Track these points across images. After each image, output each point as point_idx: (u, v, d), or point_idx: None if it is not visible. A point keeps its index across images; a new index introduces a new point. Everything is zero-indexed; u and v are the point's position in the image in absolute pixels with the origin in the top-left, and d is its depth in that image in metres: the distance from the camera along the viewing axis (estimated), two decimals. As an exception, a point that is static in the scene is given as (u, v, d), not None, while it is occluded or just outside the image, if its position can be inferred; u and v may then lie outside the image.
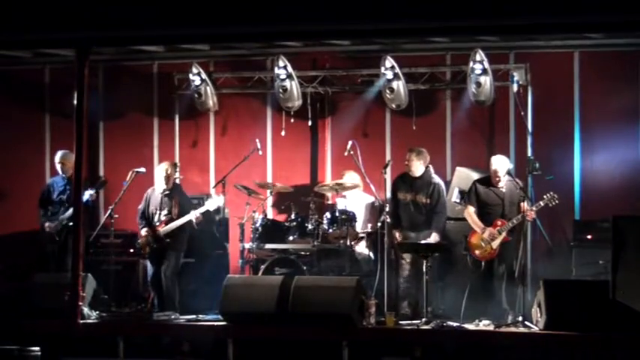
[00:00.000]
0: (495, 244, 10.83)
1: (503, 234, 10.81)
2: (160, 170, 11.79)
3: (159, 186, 11.71)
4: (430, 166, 11.52)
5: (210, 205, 11.66)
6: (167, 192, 11.68)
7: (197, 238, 11.95)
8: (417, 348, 9.93)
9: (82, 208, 10.91)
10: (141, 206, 11.77)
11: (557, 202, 10.76)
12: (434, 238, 11.20)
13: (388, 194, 11.70)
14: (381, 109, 12.82)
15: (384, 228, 11.29)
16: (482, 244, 10.90)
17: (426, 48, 12.63)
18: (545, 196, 10.74)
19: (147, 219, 11.69)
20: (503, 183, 11.04)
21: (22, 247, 12.79)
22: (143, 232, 11.63)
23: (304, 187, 12.80)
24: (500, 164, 11.09)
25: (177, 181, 12.12)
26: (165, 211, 11.58)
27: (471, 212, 11.10)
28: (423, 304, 10.67)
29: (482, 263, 10.96)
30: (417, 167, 11.43)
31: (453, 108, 12.70)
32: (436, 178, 11.49)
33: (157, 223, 11.57)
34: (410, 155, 11.45)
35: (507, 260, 10.86)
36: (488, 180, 11.15)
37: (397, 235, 11.36)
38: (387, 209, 11.31)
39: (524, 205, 10.77)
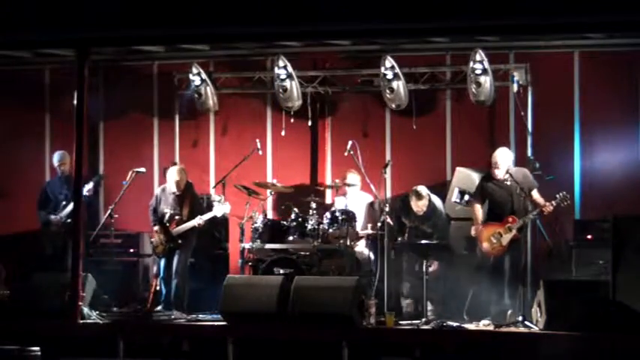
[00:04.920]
0: (505, 240, 10.78)
1: (514, 231, 10.76)
2: (172, 175, 11.73)
3: (170, 187, 11.75)
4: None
5: (217, 211, 11.68)
6: (179, 193, 11.71)
7: (197, 238, 11.95)
8: (417, 348, 9.94)
9: (82, 209, 10.92)
10: (152, 202, 11.82)
11: (568, 202, 10.75)
12: (435, 265, 11.22)
13: (388, 194, 11.69)
14: (381, 109, 12.83)
15: (384, 228, 11.29)
16: (493, 239, 10.85)
17: (426, 48, 12.61)
18: (557, 195, 10.71)
19: (158, 216, 11.72)
20: (502, 177, 10.93)
21: (22, 247, 12.79)
22: (156, 228, 11.67)
23: (304, 187, 12.81)
24: (499, 154, 11.02)
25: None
26: (176, 211, 11.61)
27: (475, 208, 11.04)
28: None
29: (491, 259, 10.92)
30: (427, 207, 11.42)
31: (453, 108, 12.70)
32: (434, 204, 11.46)
33: (168, 223, 11.59)
34: (421, 200, 11.33)
35: (514, 258, 10.79)
36: (493, 175, 11.07)
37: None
38: (387, 209, 11.32)
39: (535, 194, 10.76)
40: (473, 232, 10.96)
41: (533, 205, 10.80)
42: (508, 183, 10.87)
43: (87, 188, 11.80)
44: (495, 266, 10.88)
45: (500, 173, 10.94)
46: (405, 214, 11.51)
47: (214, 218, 11.92)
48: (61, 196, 12.21)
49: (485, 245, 10.88)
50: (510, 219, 10.79)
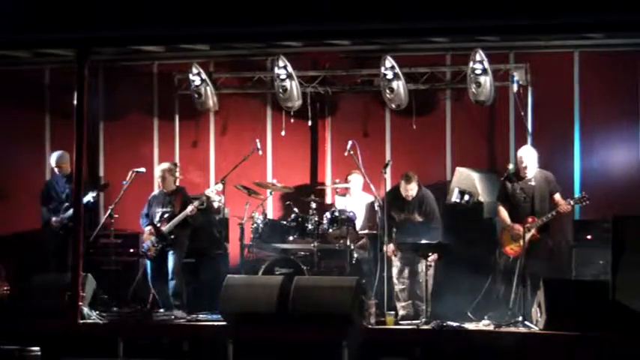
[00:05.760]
0: (523, 241, 10.77)
1: (532, 231, 10.74)
2: (157, 173, 11.89)
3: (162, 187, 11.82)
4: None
5: (208, 191, 11.70)
6: (170, 193, 11.76)
7: (197, 238, 11.96)
8: (417, 348, 9.94)
9: (82, 208, 10.93)
10: (143, 210, 11.88)
11: (587, 202, 10.84)
12: (432, 257, 11.20)
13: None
14: (381, 109, 12.83)
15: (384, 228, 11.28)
16: (513, 239, 10.86)
17: (426, 48, 12.62)
18: (576, 196, 10.76)
19: (149, 219, 11.75)
20: (532, 175, 10.94)
21: (23, 247, 12.79)
22: (147, 229, 11.70)
23: (304, 187, 12.81)
24: (525, 153, 11.01)
25: (177, 182, 12.14)
26: (167, 209, 11.63)
27: (500, 210, 11.04)
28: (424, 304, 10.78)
29: (510, 259, 10.90)
30: (416, 191, 11.41)
31: (453, 108, 12.70)
32: (425, 192, 11.47)
33: (159, 223, 11.60)
34: (410, 184, 11.33)
35: (531, 260, 10.69)
36: (518, 174, 11.04)
37: (387, 248, 11.27)
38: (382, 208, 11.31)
39: (557, 197, 10.83)
40: (515, 231, 10.84)
41: (555, 206, 10.83)
42: (532, 184, 10.86)
43: (91, 196, 11.83)
44: (512, 267, 10.86)
45: (530, 172, 10.90)
46: (396, 206, 11.43)
47: (212, 212, 11.93)
48: (63, 195, 12.19)
49: (509, 247, 10.88)
50: (530, 219, 10.78)
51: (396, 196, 11.47)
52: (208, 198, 11.77)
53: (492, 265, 11.16)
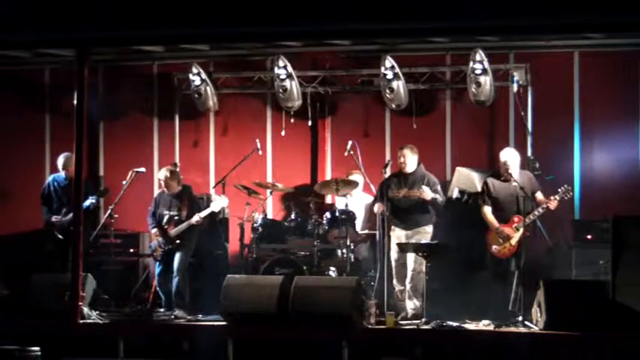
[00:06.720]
0: (514, 241, 10.77)
1: (521, 230, 10.76)
2: (159, 178, 11.88)
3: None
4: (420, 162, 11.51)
5: (214, 206, 11.71)
6: (176, 194, 11.72)
7: (197, 238, 11.96)
8: (417, 348, 9.94)
9: (82, 208, 10.94)
10: (151, 208, 11.85)
11: (571, 194, 10.82)
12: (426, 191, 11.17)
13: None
14: (381, 109, 12.83)
15: (384, 228, 11.27)
16: (501, 241, 10.86)
17: (426, 48, 12.62)
18: (560, 189, 10.75)
19: (157, 219, 11.74)
20: (516, 176, 10.95)
21: (23, 247, 12.79)
22: (154, 231, 11.70)
23: (304, 187, 12.81)
24: (510, 156, 11.01)
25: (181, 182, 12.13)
26: (174, 212, 11.62)
27: (486, 211, 11.02)
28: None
29: (503, 261, 10.91)
30: (412, 163, 11.38)
31: (453, 108, 12.71)
32: (424, 170, 11.46)
33: (166, 226, 11.60)
34: (404, 152, 11.38)
35: (523, 258, 10.71)
36: (500, 175, 11.06)
37: (379, 206, 11.22)
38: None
39: (539, 195, 10.85)
40: (505, 233, 10.87)
41: (538, 205, 10.83)
42: (515, 184, 10.86)
43: (90, 201, 11.84)
44: (506, 267, 10.87)
45: (514, 173, 10.88)
46: (396, 182, 11.33)
47: (214, 215, 11.93)
48: (65, 198, 12.15)
49: (495, 247, 10.89)
50: (516, 218, 10.78)
51: (396, 174, 11.45)
52: (213, 212, 11.78)
53: (487, 264, 11.15)
